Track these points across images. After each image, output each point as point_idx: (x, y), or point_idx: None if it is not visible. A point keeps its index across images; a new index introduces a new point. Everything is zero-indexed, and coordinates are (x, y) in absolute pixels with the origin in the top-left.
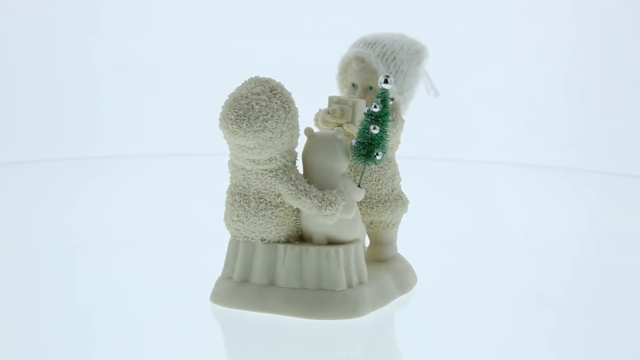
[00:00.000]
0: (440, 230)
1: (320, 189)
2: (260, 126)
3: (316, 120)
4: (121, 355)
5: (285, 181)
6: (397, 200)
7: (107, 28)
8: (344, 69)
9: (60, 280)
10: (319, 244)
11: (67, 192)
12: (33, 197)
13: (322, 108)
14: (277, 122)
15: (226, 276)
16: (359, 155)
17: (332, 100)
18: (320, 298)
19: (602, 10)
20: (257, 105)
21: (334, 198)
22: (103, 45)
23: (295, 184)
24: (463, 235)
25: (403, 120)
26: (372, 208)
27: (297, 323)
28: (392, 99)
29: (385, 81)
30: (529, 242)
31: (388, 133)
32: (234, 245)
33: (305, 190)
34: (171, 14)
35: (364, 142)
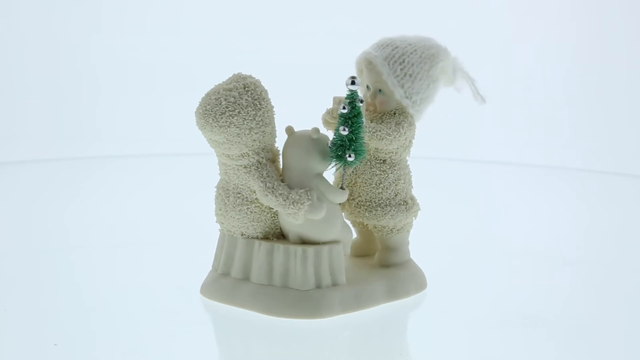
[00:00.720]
0: (440, 230)
1: (293, 187)
2: (225, 122)
3: (322, 120)
4: (119, 353)
5: (257, 177)
6: (399, 206)
7: (107, 28)
8: (360, 70)
9: (59, 280)
10: (294, 242)
11: (67, 192)
12: (33, 197)
13: (328, 108)
14: (244, 118)
15: (214, 268)
16: (333, 157)
17: (335, 101)
18: (284, 296)
19: (602, 10)
20: (224, 101)
21: (298, 197)
22: (103, 45)
23: (265, 181)
24: (463, 235)
25: (410, 124)
26: (371, 211)
27: (286, 321)
28: (362, 101)
29: (352, 82)
30: (528, 242)
31: (360, 134)
32: (220, 239)
33: (272, 187)
34: (171, 14)
35: (337, 144)
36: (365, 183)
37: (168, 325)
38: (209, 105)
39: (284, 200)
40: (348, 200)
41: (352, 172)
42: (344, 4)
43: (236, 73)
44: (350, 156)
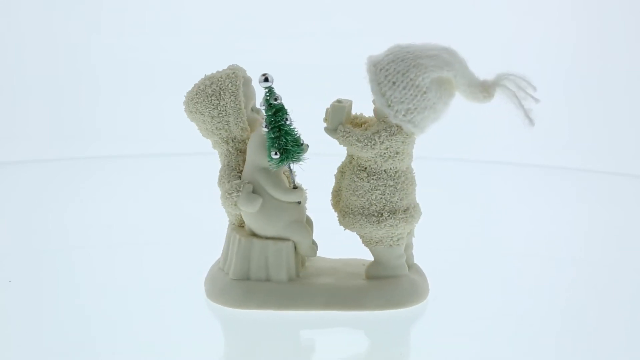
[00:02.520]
0: (440, 230)
1: (243, 179)
2: (193, 107)
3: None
4: (120, 354)
5: (221, 166)
6: (370, 217)
7: (107, 28)
8: None
9: (59, 280)
10: (248, 233)
11: (67, 192)
12: (33, 197)
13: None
14: (206, 106)
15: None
16: (267, 155)
17: (326, 112)
18: (218, 283)
19: (602, 10)
20: (196, 89)
21: (232, 189)
22: (103, 45)
23: (221, 170)
24: (462, 235)
25: (392, 135)
26: (344, 217)
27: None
28: (276, 99)
29: (265, 79)
30: (528, 242)
31: (284, 131)
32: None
33: (221, 176)
34: (171, 14)
35: (267, 143)
36: (346, 188)
37: (168, 325)
38: (190, 91)
39: (221, 190)
40: (336, 202)
41: (341, 176)
42: (344, 4)
43: (233, 64)
44: (275, 154)
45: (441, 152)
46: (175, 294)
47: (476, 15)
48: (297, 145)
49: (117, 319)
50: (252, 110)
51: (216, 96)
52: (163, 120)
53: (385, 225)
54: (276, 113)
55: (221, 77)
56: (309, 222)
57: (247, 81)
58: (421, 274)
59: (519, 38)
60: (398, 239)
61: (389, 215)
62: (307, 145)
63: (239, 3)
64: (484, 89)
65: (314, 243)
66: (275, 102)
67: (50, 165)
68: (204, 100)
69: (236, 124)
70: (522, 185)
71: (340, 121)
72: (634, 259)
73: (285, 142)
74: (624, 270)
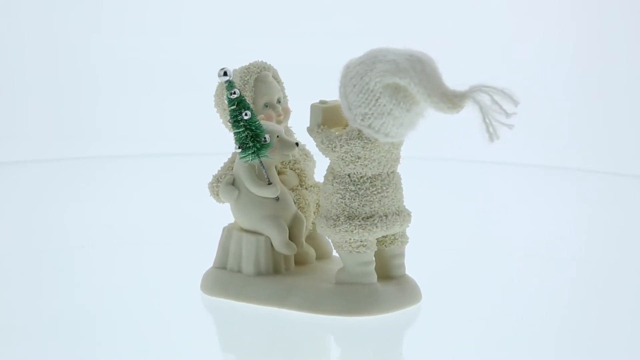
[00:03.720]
0: (440, 231)
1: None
2: (214, 100)
3: None
4: (119, 353)
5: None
6: (329, 220)
7: (107, 28)
8: None
9: (59, 280)
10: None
11: (67, 192)
12: (33, 197)
13: None
14: (220, 99)
15: None
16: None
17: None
18: (207, 271)
19: (602, 10)
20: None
21: (215, 179)
22: (103, 45)
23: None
24: (462, 235)
25: (351, 139)
26: (313, 216)
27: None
28: (234, 92)
29: (224, 74)
30: (528, 242)
31: (240, 126)
32: None
33: (221, 167)
34: (171, 14)
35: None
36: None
37: (168, 325)
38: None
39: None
40: None
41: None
42: (344, 4)
43: (258, 60)
44: (238, 148)
45: (441, 152)
46: (175, 294)
47: (476, 15)
48: (257, 141)
49: (116, 318)
50: (266, 106)
51: (223, 90)
52: (163, 120)
53: (340, 230)
54: (237, 107)
55: (236, 72)
56: (299, 220)
57: (262, 77)
58: (404, 286)
59: (519, 38)
60: (358, 246)
61: (345, 220)
62: (296, 144)
63: (239, 3)
64: (448, 100)
65: (295, 241)
66: (232, 97)
67: (50, 165)
68: (220, 93)
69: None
70: (522, 185)
71: (317, 121)
72: (634, 259)
73: (244, 137)
74: (624, 270)
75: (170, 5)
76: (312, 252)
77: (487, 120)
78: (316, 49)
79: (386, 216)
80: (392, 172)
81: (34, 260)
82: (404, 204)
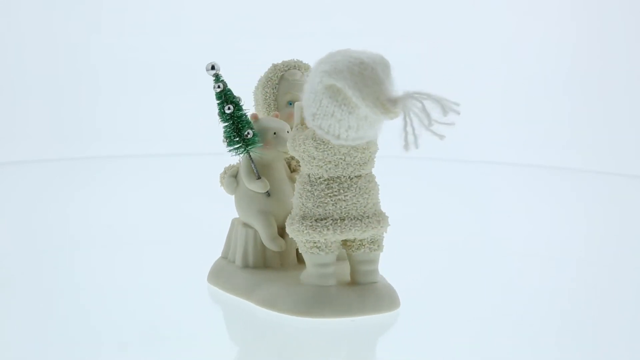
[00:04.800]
0: (439, 231)
1: None
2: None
3: None
4: (119, 353)
5: None
6: (292, 218)
7: (107, 28)
8: None
9: (60, 280)
10: None
11: (67, 192)
12: (33, 197)
13: None
14: (254, 94)
15: None
16: None
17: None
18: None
19: (602, 10)
20: None
21: (224, 171)
22: (103, 45)
23: None
24: (463, 235)
25: (306, 138)
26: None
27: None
28: (218, 86)
29: (212, 67)
30: (528, 242)
31: (225, 119)
32: None
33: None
34: (171, 14)
35: None
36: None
37: (168, 325)
38: None
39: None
40: None
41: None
42: (344, 4)
43: (291, 59)
44: (223, 141)
45: (441, 152)
46: (175, 294)
47: (476, 15)
48: (239, 135)
49: (117, 318)
50: (290, 104)
51: (256, 86)
52: (163, 120)
53: (293, 229)
54: (222, 100)
55: (267, 69)
56: None
57: (289, 75)
58: (368, 294)
59: (519, 38)
60: (311, 247)
61: (298, 220)
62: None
63: (239, 3)
64: (381, 105)
65: (286, 239)
66: (216, 90)
67: (50, 165)
68: (257, 86)
69: (262, 114)
70: (522, 185)
71: (297, 120)
72: (634, 259)
73: (230, 131)
74: (624, 270)
75: (170, 5)
76: None
77: (407, 129)
78: (316, 49)
79: (342, 220)
80: (356, 177)
81: (35, 260)
82: (378, 210)
